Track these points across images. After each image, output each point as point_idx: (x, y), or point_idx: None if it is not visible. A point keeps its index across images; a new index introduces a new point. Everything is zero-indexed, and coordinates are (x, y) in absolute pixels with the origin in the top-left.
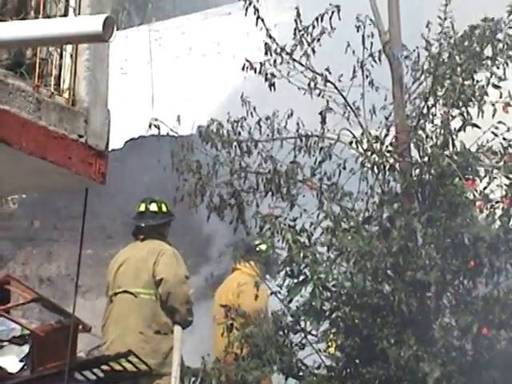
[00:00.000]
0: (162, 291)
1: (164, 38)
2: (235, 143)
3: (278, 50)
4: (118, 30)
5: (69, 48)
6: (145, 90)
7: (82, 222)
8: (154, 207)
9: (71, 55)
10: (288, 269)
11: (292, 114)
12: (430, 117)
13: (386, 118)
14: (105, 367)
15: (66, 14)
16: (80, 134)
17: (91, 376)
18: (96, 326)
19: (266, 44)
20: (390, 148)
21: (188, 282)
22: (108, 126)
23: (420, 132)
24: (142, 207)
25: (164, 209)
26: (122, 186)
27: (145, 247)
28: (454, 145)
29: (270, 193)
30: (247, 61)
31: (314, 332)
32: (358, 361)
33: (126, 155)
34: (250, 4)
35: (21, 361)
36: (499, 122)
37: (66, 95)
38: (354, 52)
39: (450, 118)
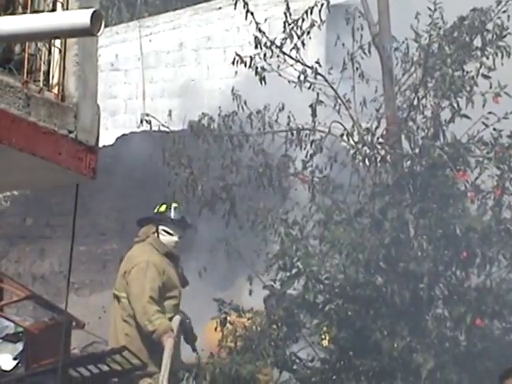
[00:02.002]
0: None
1: (154, 33)
2: (226, 137)
3: (268, 44)
4: (108, 26)
5: (57, 43)
6: (136, 85)
7: (73, 219)
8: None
9: (60, 50)
10: (281, 262)
11: (283, 108)
12: (421, 108)
13: (377, 110)
14: (100, 365)
15: (54, 10)
16: (70, 130)
17: (86, 373)
18: (90, 323)
19: (255, 38)
20: (380, 140)
21: (146, 296)
22: (98, 120)
23: (411, 123)
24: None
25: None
26: (113, 182)
27: (131, 252)
28: (444, 136)
29: (261, 186)
30: (237, 55)
31: (307, 325)
32: (351, 353)
33: (117, 151)
34: None
35: (15, 358)
36: (489, 113)
37: (55, 91)
38: (343, 44)
39: (441, 109)
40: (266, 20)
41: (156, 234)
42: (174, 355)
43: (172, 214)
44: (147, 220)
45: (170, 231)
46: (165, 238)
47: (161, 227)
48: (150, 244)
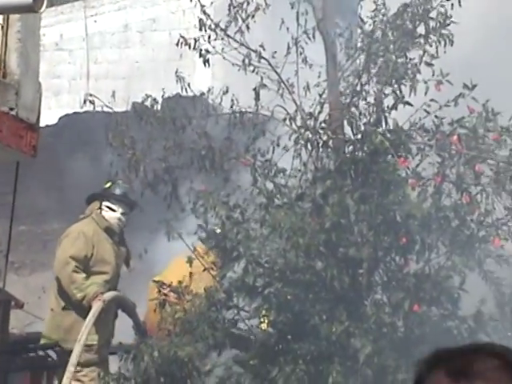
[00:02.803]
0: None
1: (100, 14)
2: (169, 119)
3: (213, 27)
4: (53, 5)
5: None
6: (80, 66)
7: (13, 197)
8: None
9: (2, 27)
10: (221, 245)
11: (227, 91)
12: (364, 94)
13: (320, 95)
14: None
15: None
16: (11, 107)
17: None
18: (29, 303)
19: (200, 20)
20: (323, 125)
21: (72, 264)
22: (39, 98)
23: (353, 109)
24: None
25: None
26: (55, 162)
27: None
28: (386, 122)
29: (203, 169)
30: (182, 37)
31: (246, 308)
32: (289, 336)
33: (60, 131)
34: None
35: None
36: (431, 100)
37: None
38: (288, 29)
39: (383, 95)
40: (211, 3)
41: (99, 210)
42: (105, 325)
43: (116, 190)
44: (93, 197)
45: (113, 207)
46: (107, 214)
47: (104, 203)
48: (92, 218)
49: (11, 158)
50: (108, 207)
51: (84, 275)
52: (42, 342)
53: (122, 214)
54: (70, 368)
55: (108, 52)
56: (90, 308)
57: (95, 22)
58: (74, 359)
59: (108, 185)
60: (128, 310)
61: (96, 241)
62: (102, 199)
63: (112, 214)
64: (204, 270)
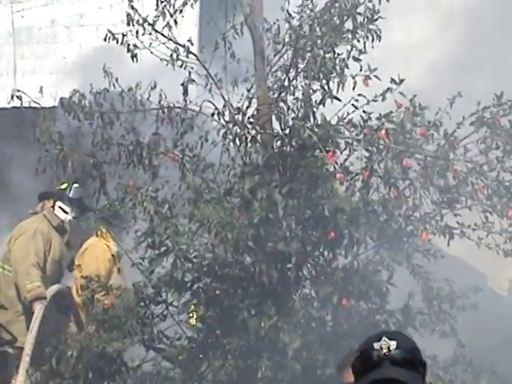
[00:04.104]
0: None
1: (26, 9)
2: (97, 114)
3: (141, 21)
4: None
5: None
6: (7, 61)
7: None
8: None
9: None
10: (149, 240)
11: (155, 86)
12: (292, 89)
13: (248, 91)
14: None
15: None
16: None
17: None
18: None
19: (128, 15)
20: (251, 120)
21: (31, 260)
22: None
23: (281, 104)
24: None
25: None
26: None
27: (22, 222)
28: (314, 117)
29: (132, 164)
30: (109, 31)
31: (175, 303)
32: (218, 331)
33: None
34: None
35: None
36: (359, 95)
37: None
38: (216, 24)
39: (311, 90)
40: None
41: (52, 209)
42: (46, 323)
43: (71, 193)
44: (46, 195)
45: (66, 209)
46: (59, 215)
47: (58, 203)
48: (44, 216)
49: None
50: (61, 208)
51: (40, 273)
52: None
53: (73, 217)
54: (26, 358)
55: (35, 47)
56: (29, 303)
57: (22, 17)
58: (28, 350)
59: (64, 186)
60: (68, 305)
61: (50, 238)
62: (56, 199)
63: (64, 215)
64: (132, 265)
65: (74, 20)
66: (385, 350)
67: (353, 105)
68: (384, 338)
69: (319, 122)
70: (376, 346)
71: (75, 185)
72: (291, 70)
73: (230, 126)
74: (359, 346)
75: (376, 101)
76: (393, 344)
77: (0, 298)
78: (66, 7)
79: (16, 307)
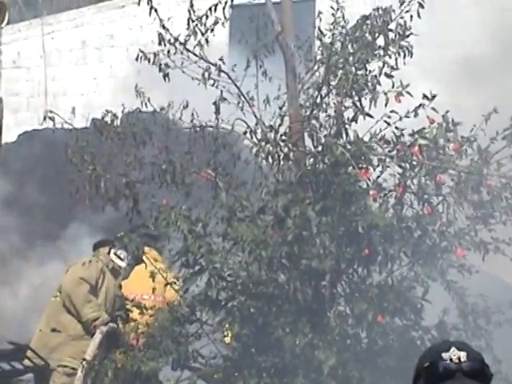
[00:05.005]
0: (62, 295)
1: (57, 31)
2: (130, 134)
3: (172, 41)
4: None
5: None
6: (38, 83)
7: None
8: None
9: None
10: (183, 259)
11: (187, 105)
12: (324, 106)
13: (280, 108)
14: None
15: None
16: None
17: None
18: None
19: (159, 34)
20: (284, 138)
21: (84, 283)
22: (1, 113)
23: (314, 122)
24: None
25: None
26: (14, 178)
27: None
28: (347, 134)
29: (165, 183)
30: (141, 51)
31: (209, 322)
32: (253, 350)
33: (19, 148)
34: None
35: None
36: (391, 111)
37: None
38: (247, 42)
39: (344, 107)
40: (169, 19)
41: (108, 255)
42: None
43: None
44: (102, 243)
45: (122, 256)
46: (116, 261)
47: (113, 250)
48: (99, 258)
49: None
50: (116, 255)
51: (95, 299)
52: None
53: (127, 264)
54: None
55: (66, 69)
56: (92, 329)
57: (52, 39)
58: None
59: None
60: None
61: (104, 273)
62: (112, 246)
63: (120, 261)
64: (166, 284)
65: (104, 41)
66: (456, 361)
67: (385, 121)
68: (453, 348)
69: (352, 139)
70: (445, 356)
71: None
72: (323, 88)
73: (263, 143)
74: (424, 356)
75: (408, 117)
76: (463, 355)
77: (52, 323)
78: (96, 28)
79: (68, 331)
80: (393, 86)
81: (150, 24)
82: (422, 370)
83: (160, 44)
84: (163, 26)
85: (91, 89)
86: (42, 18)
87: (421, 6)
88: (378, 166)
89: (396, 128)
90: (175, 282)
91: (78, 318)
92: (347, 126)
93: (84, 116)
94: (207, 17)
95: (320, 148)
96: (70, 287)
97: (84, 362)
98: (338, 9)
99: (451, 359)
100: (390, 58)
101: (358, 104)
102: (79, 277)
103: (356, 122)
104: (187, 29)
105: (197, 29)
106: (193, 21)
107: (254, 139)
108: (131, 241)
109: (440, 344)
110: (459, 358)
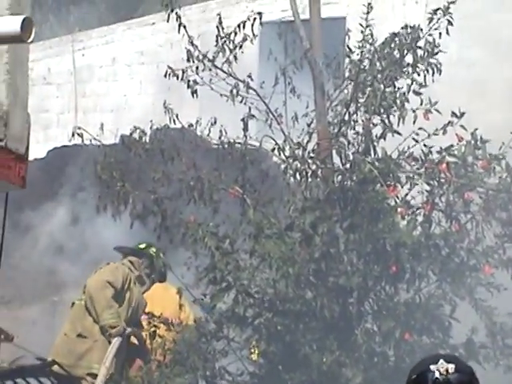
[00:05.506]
0: (85, 296)
1: (87, 48)
2: (158, 151)
3: (201, 57)
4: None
5: None
6: (68, 99)
7: (3, 229)
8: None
9: None
10: (211, 275)
11: (215, 122)
12: (352, 123)
13: (308, 125)
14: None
15: None
16: None
17: None
18: (19, 337)
19: (188, 51)
20: (312, 155)
21: (110, 287)
22: (28, 129)
23: (342, 139)
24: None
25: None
26: (43, 195)
27: None
28: (375, 151)
29: (192, 200)
30: (169, 68)
31: (236, 339)
32: (280, 367)
33: (48, 164)
34: (172, 11)
35: None
36: (420, 129)
37: None
38: (276, 59)
39: (372, 124)
40: (199, 36)
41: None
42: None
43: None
44: (124, 250)
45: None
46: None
47: (129, 258)
48: (124, 264)
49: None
50: (131, 262)
51: (117, 306)
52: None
53: (148, 278)
54: None
55: (96, 85)
56: (107, 336)
57: (83, 55)
58: (100, 382)
59: (143, 246)
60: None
61: (130, 279)
62: (138, 256)
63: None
64: (194, 301)
65: (134, 58)
66: (443, 373)
67: (413, 138)
68: (441, 361)
69: (380, 156)
70: (433, 368)
71: (153, 248)
72: (351, 105)
73: (291, 160)
74: (414, 368)
75: (437, 134)
76: (451, 367)
77: (78, 327)
78: (126, 45)
79: (94, 336)
80: (421, 104)
81: (179, 41)
82: (410, 382)
83: (188, 60)
84: (191, 43)
85: (121, 105)
86: (73, 34)
87: (450, 23)
88: (406, 183)
89: (424, 145)
90: (202, 299)
91: (97, 321)
92: (375, 143)
93: (113, 132)
94: (236, 34)
95: (348, 165)
96: (95, 289)
97: (103, 369)
98: (367, 26)
99: (439, 371)
100: (419, 75)
101: (386, 121)
102: (106, 280)
103: (384, 140)
104: (216, 45)
105: (225, 45)
106: (221, 37)
107: (282, 156)
108: (158, 257)
109: (431, 357)
110: (447, 370)
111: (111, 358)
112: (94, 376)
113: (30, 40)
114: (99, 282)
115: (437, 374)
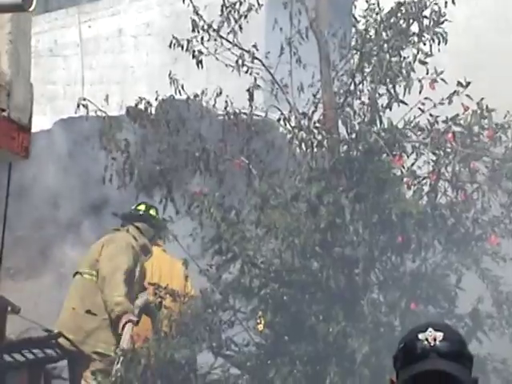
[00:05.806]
0: (99, 276)
1: (94, 19)
2: (163, 122)
3: (206, 27)
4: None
5: None
6: (74, 71)
7: (6, 199)
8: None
9: None
10: (216, 246)
11: (221, 92)
12: (358, 94)
13: (314, 96)
14: (35, 351)
15: None
16: (2, 108)
17: (20, 358)
18: (25, 309)
19: (193, 21)
20: (317, 125)
21: (121, 269)
22: (31, 99)
23: (347, 109)
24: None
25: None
26: (49, 165)
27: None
28: (381, 121)
29: (198, 171)
30: (174, 38)
31: (242, 309)
32: (286, 338)
33: (54, 135)
34: None
35: None
36: (426, 98)
37: None
38: (281, 29)
39: (378, 94)
40: (205, 7)
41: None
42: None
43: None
44: (127, 217)
45: (143, 230)
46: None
47: (136, 224)
48: (130, 233)
49: (3, 160)
50: (138, 228)
51: (126, 288)
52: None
53: (149, 240)
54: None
55: (102, 57)
56: (115, 319)
57: (89, 27)
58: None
59: (143, 207)
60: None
61: (138, 256)
62: (144, 221)
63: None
64: (200, 271)
65: (140, 29)
66: (431, 341)
67: (419, 108)
68: (430, 329)
69: (386, 126)
70: (421, 336)
71: (152, 209)
72: (357, 75)
73: (296, 131)
74: (403, 337)
75: (443, 104)
76: (439, 335)
77: (86, 303)
78: (132, 17)
79: (104, 314)
80: (427, 73)
81: (186, 12)
82: (399, 351)
83: (194, 31)
84: (197, 13)
85: (127, 77)
86: (79, 6)
87: None
88: (412, 153)
89: (430, 115)
90: (208, 270)
91: (106, 303)
92: (381, 113)
93: (119, 104)
94: (241, 3)
95: (354, 135)
96: (107, 272)
97: (120, 352)
98: None
99: (427, 339)
100: (425, 44)
101: (392, 91)
102: (118, 265)
103: (390, 109)
104: (221, 15)
105: (230, 15)
106: (226, 7)
107: (288, 126)
108: (158, 219)
109: (421, 326)
110: (435, 339)
111: (128, 340)
112: (100, 354)
113: (31, 9)
114: (112, 266)
115: (425, 343)
